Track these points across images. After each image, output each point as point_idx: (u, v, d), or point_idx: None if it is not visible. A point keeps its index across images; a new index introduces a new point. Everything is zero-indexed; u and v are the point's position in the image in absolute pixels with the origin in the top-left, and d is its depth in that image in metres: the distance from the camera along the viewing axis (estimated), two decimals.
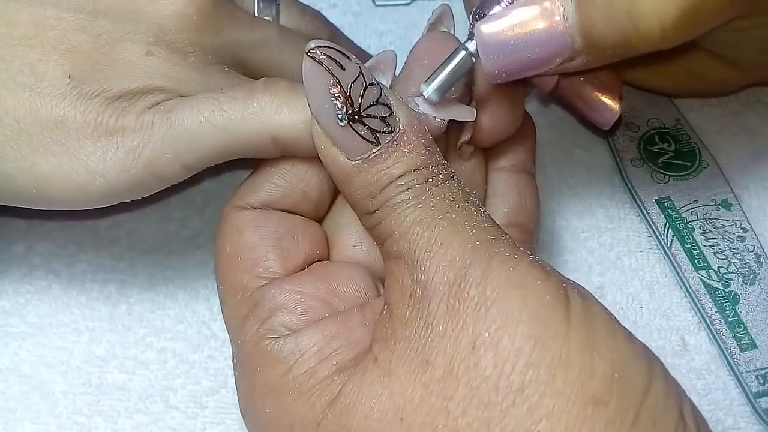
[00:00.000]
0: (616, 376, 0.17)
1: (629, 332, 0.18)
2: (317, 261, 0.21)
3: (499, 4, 0.20)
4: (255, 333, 0.19)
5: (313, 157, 0.20)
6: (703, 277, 0.25)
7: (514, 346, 0.17)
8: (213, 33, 0.21)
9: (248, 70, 0.22)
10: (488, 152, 0.23)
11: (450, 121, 0.21)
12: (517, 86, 0.22)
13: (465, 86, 0.22)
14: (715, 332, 0.25)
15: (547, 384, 0.16)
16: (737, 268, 0.26)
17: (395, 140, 0.19)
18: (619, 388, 0.17)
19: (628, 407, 0.16)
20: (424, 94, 0.20)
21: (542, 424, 0.16)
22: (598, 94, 0.25)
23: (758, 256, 0.26)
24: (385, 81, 0.21)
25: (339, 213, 0.22)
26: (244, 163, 0.26)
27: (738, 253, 0.26)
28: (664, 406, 0.17)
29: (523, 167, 0.23)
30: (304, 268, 0.21)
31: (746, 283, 0.25)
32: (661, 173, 0.28)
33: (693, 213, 0.27)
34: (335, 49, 0.19)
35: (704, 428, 0.18)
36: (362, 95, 0.19)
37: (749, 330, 0.24)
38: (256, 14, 0.24)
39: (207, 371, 0.23)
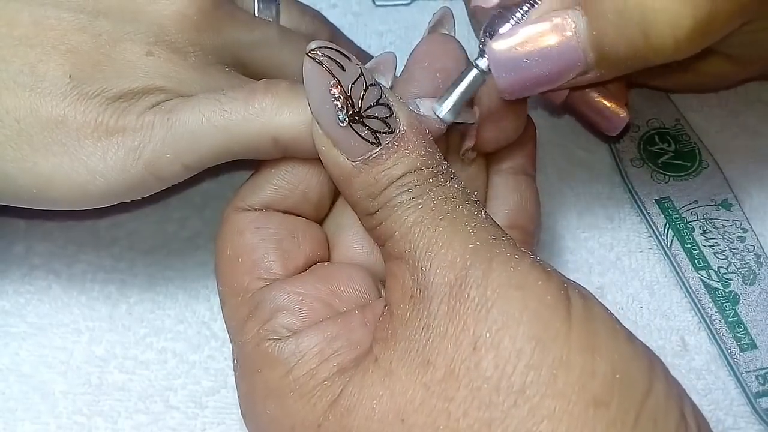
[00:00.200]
0: (617, 376, 0.17)
1: (630, 333, 0.18)
2: (318, 262, 0.21)
3: (509, 21, 0.20)
4: (256, 334, 0.19)
5: (313, 158, 0.20)
6: (703, 278, 0.25)
7: (515, 347, 0.17)
8: (213, 33, 0.21)
9: (248, 70, 0.22)
10: (489, 155, 0.23)
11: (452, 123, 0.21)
12: None
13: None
14: (715, 332, 0.25)
15: (549, 385, 0.16)
16: (737, 269, 0.26)
17: (396, 141, 0.19)
18: (620, 389, 0.17)
19: (629, 408, 0.17)
20: (438, 113, 0.20)
21: (543, 425, 0.16)
22: (605, 102, 0.25)
23: (758, 257, 0.26)
24: (385, 82, 0.21)
25: (340, 214, 0.22)
26: (244, 164, 0.26)
27: (738, 254, 0.26)
28: (665, 406, 0.17)
29: (523, 169, 0.23)
30: (305, 270, 0.21)
31: (746, 284, 0.25)
32: (661, 173, 0.28)
33: (693, 213, 0.27)
34: (336, 50, 0.19)
35: (705, 428, 0.18)
36: (363, 96, 0.19)
37: (749, 330, 0.24)
38: (256, 14, 0.24)
39: (207, 371, 0.23)
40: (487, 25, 0.20)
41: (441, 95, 0.20)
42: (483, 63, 0.20)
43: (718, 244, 0.26)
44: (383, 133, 0.19)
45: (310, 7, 0.26)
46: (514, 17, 0.20)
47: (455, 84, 0.20)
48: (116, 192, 0.20)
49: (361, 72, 0.19)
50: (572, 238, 0.27)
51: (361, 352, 0.18)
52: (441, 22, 0.23)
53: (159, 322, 0.24)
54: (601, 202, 0.28)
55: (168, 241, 0.25)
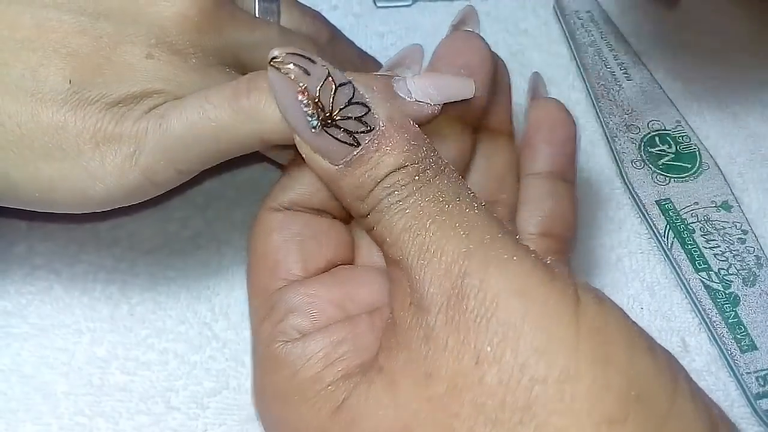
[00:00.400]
0: (633, 393, 0.15)
1: (652, 341, 0.17)
2: (340, 264, 0.21)
3: None
4: (268, 335, 0.19)
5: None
6: (703, 279, 0.26)
7: (517, 360, 0.16)
8: (214, 34, 0.21)
9: (249, 71, 0.22)
10: (522, 155, 0.22)
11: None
12: None
13: None
14: (715, 333, 0.25)
15: (556, 401, 0.15)
16: (737, 270, 0.26)
17: (376, 139, 0.18)
18: (637, 407, 0.15)
19: (647, 426, 0.15)
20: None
21: None
22: None
23: (758, 258, 0.26)
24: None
25: None
26: (246, 162, 0.27)
27: (738, 255, 0.26)
28: (690, 420, 0.16)
29: (562, 173, 0.22)
30: (326, 272, 0.21)
31: (746, 285, 0.25)
32: (662, 175, 0.28)
33: (693, 215, 0.27)
34: (299, 54, 0.18)
35: None
36: (332, 98, 0.18)
37: (749, 331, 0.25)
38: (256, 15, 0.24)
39: (208, 372, 0.23)
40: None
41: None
42: None
43: (719, 246, 0.26)
44: (361, 132, 0.18)
45: (310, 8, 0.26)
46: None
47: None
48: (115, 197, 0.20)
49: (329, 73, 0.18)
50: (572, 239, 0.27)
51: (368, 358, 0.18)
52: (464, 21, 0.23)
53: (160, 323, 0.24)
54: (602, 204, 0.28)
55: (169, 241, 0.25)
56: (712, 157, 0.29)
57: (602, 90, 0.30)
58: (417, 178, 0.18)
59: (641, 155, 0.28)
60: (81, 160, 0.20)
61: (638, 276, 0.26)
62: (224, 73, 0.21)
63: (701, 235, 0.26)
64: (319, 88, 0.18)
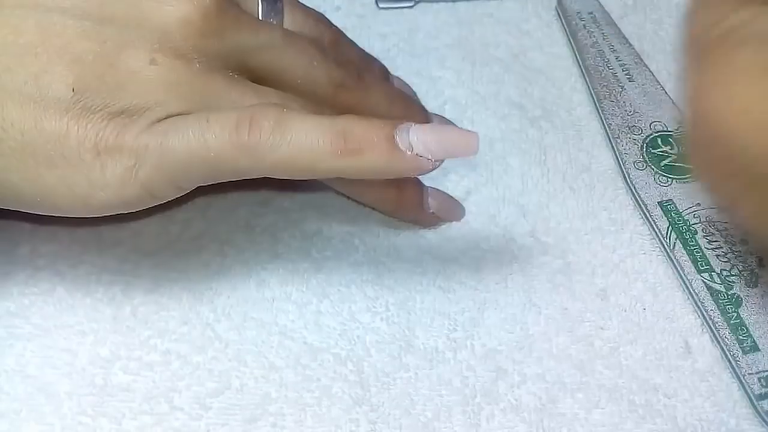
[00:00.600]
0: None
1: None
2: None
3: None
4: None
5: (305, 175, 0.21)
6: (705, 280, 0.26)
7: None
8: (218, 38, 0.21)
9: (253, 74, 0.23)
10: None
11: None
12: None
13: None
14: (717, 335, 0.25)
15: None
16: (740, 271, 0.26)
17: None
18: None
19: None
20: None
21: None
22: None
23: (760, 259, 0.26)
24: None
25: None
26: None
27: (740, 256, 0.26)
28: None
29: None
30: None
31: (749, 286, 0.25)
32: (664, 176, 0.28)
33: (696, 216, 0.27)
34: None
35: None
36: None
37: (752, 333, 0.25)
38: (260, 17, 0.24)
39: (211, 373, 0.23)
40: None
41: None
42: None
43: (721, 247, 0.26)
44: None
45: (313, 9, 0.26)
46: None
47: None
48: (115, 205, 0.21)
49: None
50: (575, 240, 0.27)
51: None
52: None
53: (163, 323, 0.24)
54: (604, 205, 0.28)
55: (172, 243, 0.26)
56: None
57: (604, 91, 0.30)
58: None
59: (643, 156, 0.28)
60: (82, 169, 0.20)
61: (641, 277, 0.26)
62: (228, 77, 0.22)
63: (703, 236, 0.26)
64: None
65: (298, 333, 0.24)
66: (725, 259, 0.26)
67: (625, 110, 0.30)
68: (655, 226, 0.27)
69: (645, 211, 0.27)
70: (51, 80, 0.20)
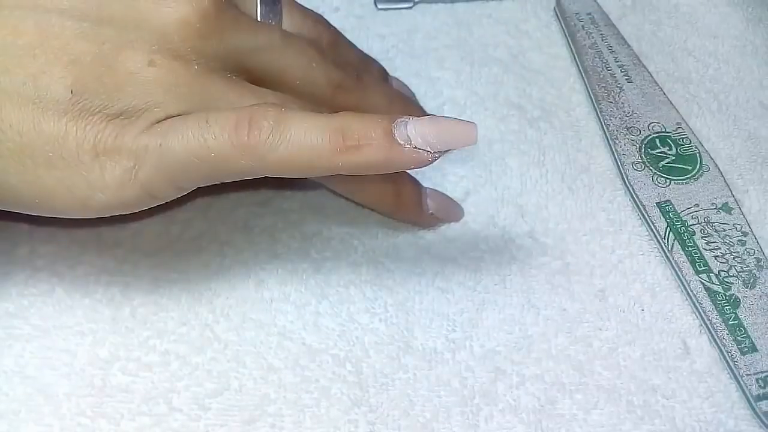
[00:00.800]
0: None
1: None
2: None
3: None
4: None
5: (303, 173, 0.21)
6: (703, 281, 0.26)
7: None
8: (216, 40, 0.21)
9: (252, 75, 0.23)
10: None
11: None
12: None
13: None
14: (716, 335, 0.25)
15: None
16: (738, 272, 0.26)
17: None
18: None
19: None
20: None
21: None
22: None
23: (759, 260, 0.26)
24: None
25: None
26: None
27: (738, 257, 0.26)
28: None
29: None
30: None
31: (747, 287, 0.25)
32: (662, 177, 0.28)
33: (694, 217, 0.27)
34: None
35: None
36: None
37: (750, 333, 0.25)
38: (258, 18, 0.24)
39: (210, 373, 0.23)
40: None
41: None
42: None
43: (719, 248, 0.26)
44: None
45: (312, 10, 0.26)
46: None
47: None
48: (115, 206, 0.21)
49: None
50: (574, 241, 0.27)
51: None
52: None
53: (162, 324, 0.24)
54: (603, 206, 0.28)
55: (171, 243, 0.26)
56: (712, 159, 0.29)
57: (603, 92, 0.30)
58: None
59: (642, 157, 0.29)
60: (81, 170, 0.20)
61: (639, 277, 0.26)
62: (226, 79, 0.22)
63: (701, 237, 0.27)
64: None
65: (296, 334, 0.24)
66: (723, 260, 0.26)
67: (624, 111, 0.30)
68: (653, 227, 0.27)
69: (643, 211, 0.27)
70: (49, 81, 0.20)
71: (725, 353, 0.24)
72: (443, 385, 0.23)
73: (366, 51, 0.28)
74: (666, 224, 0.27)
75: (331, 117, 0.21)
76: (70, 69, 0.20)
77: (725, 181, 0.28)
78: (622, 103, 0.30)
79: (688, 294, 0.26)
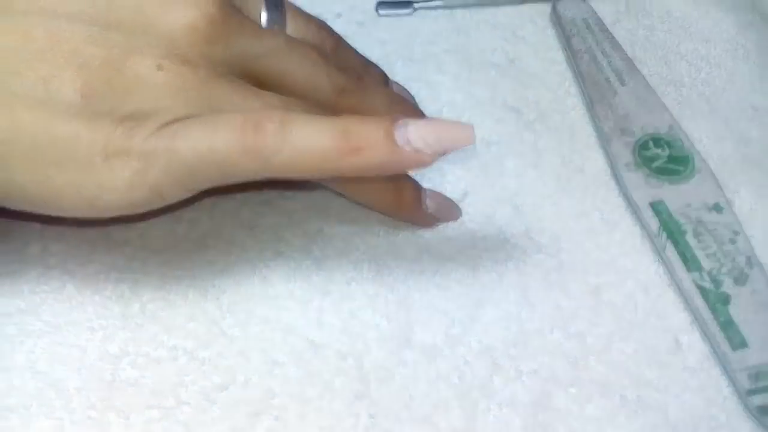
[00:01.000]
0: None
1: None
2: None
3: None
4: None
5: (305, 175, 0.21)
6: (695, 279, 0.26)
7: None
8: (223, 45, 0.22)
9: (257, 79, 0.23)
10: None
11: None
12: None
13: None
14: (707, 331, 0.25)
15: None
16: (729, 270, 0.26)
17: None
18: None
19: None
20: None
21: None
22: None
23: (749, 258, 0.27)
24: None
25: None
26: None
27: (729, 255, 0.27)
28: None
29: None
30: None
31: (737, 284, 0.26)
32: (655, 177, 0.28)
33: (686, 216, 0.27)
34: None
35: None
36: None
37: (740, 329, 0.25)
38: (263, 25, 0.24)
39: (217, 368, 0.24)
40: None
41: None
42: None
43: (710, 247, 0.27)
44: None
45: (315, 17, 0.26)
46: None
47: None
48: (123, 207, 0.21)
49: None
50: (569, 239, 0.27)
51: None
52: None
53: (170, 320, 0.24)
54: (597, 206, 0.28)
55: (178, 242, 0.26)
56: (704, 160, 0.29)
57: (597, 95, 0.31)
58: None
59: (635, 158, 0.29)
60: (91, 172, 0.20)
61: (632, 275, 0.27)
62: (233, 83, 0.22)
63: (693, 236, 0.27)
64: None
65: (300, 329, 0.25)
66: (714, 259, 0.26)
67: (618, 114, 0.30)
68: (646, 226, 0.27)
69: (637, 211, 0.28)
70: (60, 85, 0.20)
71: (716, 349, 0.25)
72: (442, 379, 0.24)
73: (367, 56, 0.29)
74: (659, 223, 0.27)
75: (333, 120, 0.21)
76: (80, 73, 0.20)
77: (717, 181, 0.29)
78: (616, 105, 0.31)
79: (680, 291, 0.26)
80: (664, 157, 0.29)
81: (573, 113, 0.31)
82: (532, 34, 0.33)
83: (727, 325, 0.25)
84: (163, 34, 0.21)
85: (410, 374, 0.24)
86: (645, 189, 0.28)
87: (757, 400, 0.24)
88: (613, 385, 0.24)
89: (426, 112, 0.29)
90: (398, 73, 0.31)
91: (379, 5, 0.33)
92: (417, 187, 0.27)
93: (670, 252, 0.27)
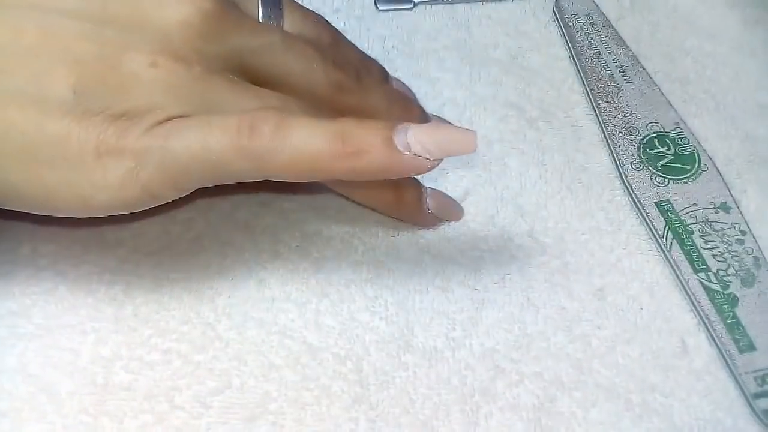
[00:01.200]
0: None
1: None
2: None
3: None
4: None
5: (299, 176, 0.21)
6: (702, 280, 0.26)
7: None
8: (218, 41, 0.22)
9: (253, 76, 0.23)
10: None
11: None
12: None
13: None
14: (714, 334, 0.25)
15: None
16: (736, 271, 0.26)
17: None
18: None
19: None
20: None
21: None
22: None
23: (756, 259, 0.26)
24: None
25: None
26: None
27: (736, 256, 0.26)
28: None
29: None
30: None
31: (745, 286, 0.26)
32: (661, 176, 0.28)
33: (692, 216, 0.27)
34: None
35: None
36: None
37: (748, 332, 0.25)
38: (260, 20, 0.24)
39: (212, 372, 0.23)
40: None
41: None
42: None
43: (717, 247, 0.26)
44: None
45: (313, 11, 0.26)
46: None
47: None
48: (116, 206, 0.21)
49: None
50: (573, 240, 0.27)
51: None
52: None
53: (164, 323, 0.24)
54: (601, 205, 0.28)
55: (173, 243, 0.26)
56: (710, 158, 0.29)
57: (601, 92, 0.31)
58: None
59: (640, 157, 0.29)
60: (83, 170, 0.20)
61: (638, 276, 0.26)
62: (228, 80, 0.22)
63: (700, 236, 0.27)
64: None
65: (297, 332, 0.24)
66: (721, 259, 0.26)
67: (622, 111, 0.30)
68: (651, 226, 0.27)
69: (642, 211, 0.27)
70: (52, 82, 0.20)
71: (723, 351, 0.24)
72: (443, 383, 0.24)
73: (366, 52, 0.28)
74: (664, 223, 0.27)
75: (331, 122, 0.21)
76: (73, 69, 0.20)
77: (723, 180, 0.28)
78: (621, 103, 0.30)
79: (686, 293, 0.26)
80: (669, 155, 0.29)
81: (576, 110, 0.31)
82: (535, 29, 0.33)
83: (734, 327, 0.25)
84: (158, 30, 0.21)
85: (410, 378, 0.24)
86: (650, 188, 0.28)
87: (764, 403, 0.23)
88: (617, 389, 0.24)
89: (427, 109, 0.29)
90: (398, 69, 0.31)
91: (379, 0, 0.33)
92: (418, 186, 0.26)
93: (676, 252, 0.26)
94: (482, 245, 0.27)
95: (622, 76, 0.31)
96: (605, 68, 0.31)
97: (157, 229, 0.26)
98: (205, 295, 0.25)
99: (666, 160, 0.29)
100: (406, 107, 0.27)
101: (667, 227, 0.27)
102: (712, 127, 0.30)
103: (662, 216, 0.27)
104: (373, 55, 0.28)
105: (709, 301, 0.25)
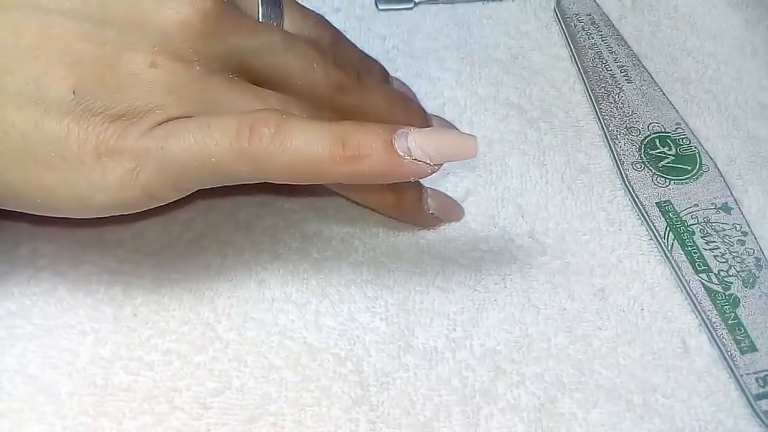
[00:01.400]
0: None
1: None
2: None
3: None
4: None
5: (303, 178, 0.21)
6: (703, 280, 0.26)
7: None
8: (218, 41, 0.22)
9: (253, 76, 0.23)
10: None
11: None
12: None
13: None
14: (715, 335, 0.25)
15: None
16: (737, 272, 0.26)
17: None
18: None
19: None
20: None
21: None
22: None
23: (758, 260, 0.26)
24: None
25: None
26: None
27: (738, 257, 0.26)
28: None
29: None
30: None
31: (746, 287, 0.26)
32: (662, 177, 0.28)
33: (693, 216, 0.27)
34: None
35: None
36: None
37: (749, 333, 0.25)
38: (260, 19, 0.24)
39: (211, 372, 0.23)
40: None
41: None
42: None
43: (719, 248, 0.26)
44: None
45: (313, 11, 0.26)
46: None
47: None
48: (115, 207, 0.21)
49: None
50: (574, 240, 0.27)
51: None
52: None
53: (164, 323, 0.24)
54: (602, 206, 0.28)
55: (173, 243, 0.26)
56: (711, 159, 0.29)
57: (602, 92, 0.30)
58: None
59: (641, 157, 0.29)
60: (83, 170, 0.20)
61: (639, 277, 0.26)
62: (228, 80, 0.22)
63: (701, 237, 0.27)
64: None
65: (297, 333, 0.24)
66: (723, 260, 0.26)
67: (623, 111, 0.30)
68: (653, 227, 0.27)
69: (643, 211, 0.27)
70: (51, 82, 0.20)
71: (725, 352, 0.24)
72: (444, 384, 0.23)
73: (367, 51, 0.28)
74: (666, 224, 0.27)
75: (332, 126, 0.21)
76: (72, 70, 0.20)
77: (725, 181, 0.28)
78: (622, 103, 0.30)
79: (687, 293, 0.26)
80: (670, 156, 0.29)
81: (577, 111, 0.30)
82: (536, 29, 0.33)
83: (736, 328, 0.25)
84: (157, 30, 0.21)
85: (411, 379, 0.23)
86: (651, 188, 0.28)
87: (766, 404, 0.23)
88: (619, 390, 0.24)
89: (427, 109, 0.29)
90: (398, 69, 0.31)
91: (379, 0, 0.33)
92: (418, 187, 0.26)
93: (677, 253, 0.26)
94: (483, 246, 0.27)
95: (624, 76, 0.31)
96: (606, 68, 0.31)
97: (157, 230, 0.26)
98: (205, 295, 0.25)
99: (667, 160, 0.29)
100: (407, 107, 0.27)
101: (668, 228, 0.27)
102: (714, 127, 0.30)
103: (663, 216, 0.27)
104: (373, 55, 0.28)
105: (710, 302, 0.25)
